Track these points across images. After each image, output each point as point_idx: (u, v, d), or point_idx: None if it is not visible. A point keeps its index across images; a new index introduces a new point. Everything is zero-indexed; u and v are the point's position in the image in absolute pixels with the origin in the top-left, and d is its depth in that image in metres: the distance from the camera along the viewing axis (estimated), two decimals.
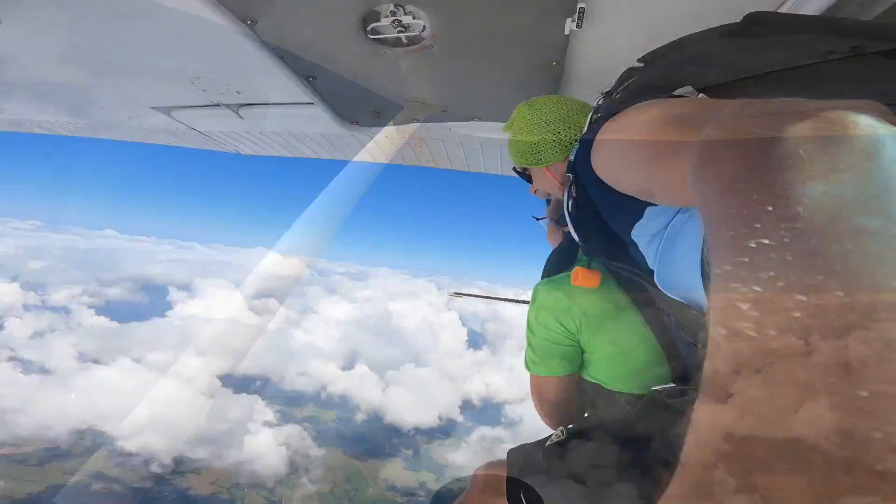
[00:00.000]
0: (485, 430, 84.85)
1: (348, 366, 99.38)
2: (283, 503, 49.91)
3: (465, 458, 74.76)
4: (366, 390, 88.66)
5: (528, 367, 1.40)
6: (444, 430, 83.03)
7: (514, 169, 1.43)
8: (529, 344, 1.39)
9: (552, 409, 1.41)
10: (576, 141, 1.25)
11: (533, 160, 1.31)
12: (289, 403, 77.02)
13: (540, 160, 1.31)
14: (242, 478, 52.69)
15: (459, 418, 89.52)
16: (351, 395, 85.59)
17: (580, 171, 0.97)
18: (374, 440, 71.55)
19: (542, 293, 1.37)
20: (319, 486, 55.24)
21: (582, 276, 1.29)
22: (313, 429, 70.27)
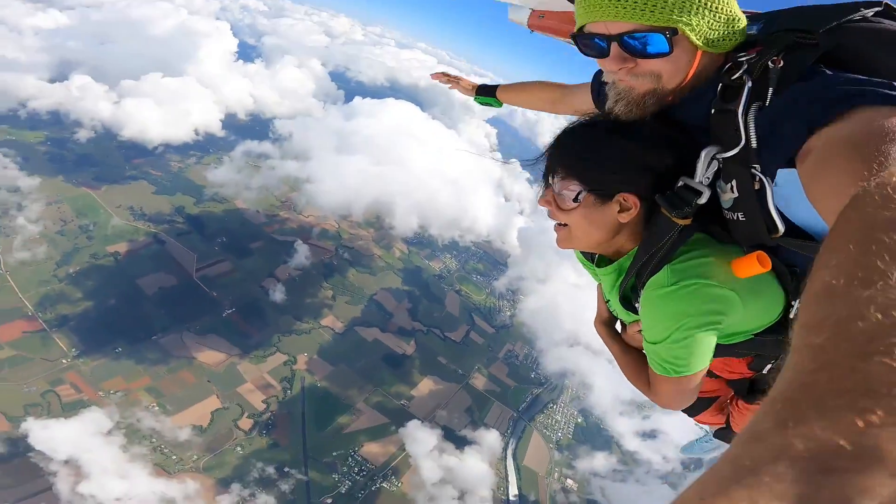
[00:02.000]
0: (250, 145, 70.43)
1: (59, 77, 69.40)
2: None
3: (227, 174, 59.37)
4: (89, 104, 64.60)
5: (675, 371, 1.21)
6: (202, 146, 67.35)
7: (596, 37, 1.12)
8: (682, 346, 1.17)
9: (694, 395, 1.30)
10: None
11: (715, 31, 1.09)
12: None
13: (715, 38, 1.09)
14: None
15: (221, 133, 73.46)
16: (66, 111, 62.86)
17: (768, 155, 0.97)
18: (108, 162, 53.59)
19: (721, 291, 1.12)
20: (44, 222, 43.48)
21: (760, 261, 1.08)
22: (16, 154, 50.56)
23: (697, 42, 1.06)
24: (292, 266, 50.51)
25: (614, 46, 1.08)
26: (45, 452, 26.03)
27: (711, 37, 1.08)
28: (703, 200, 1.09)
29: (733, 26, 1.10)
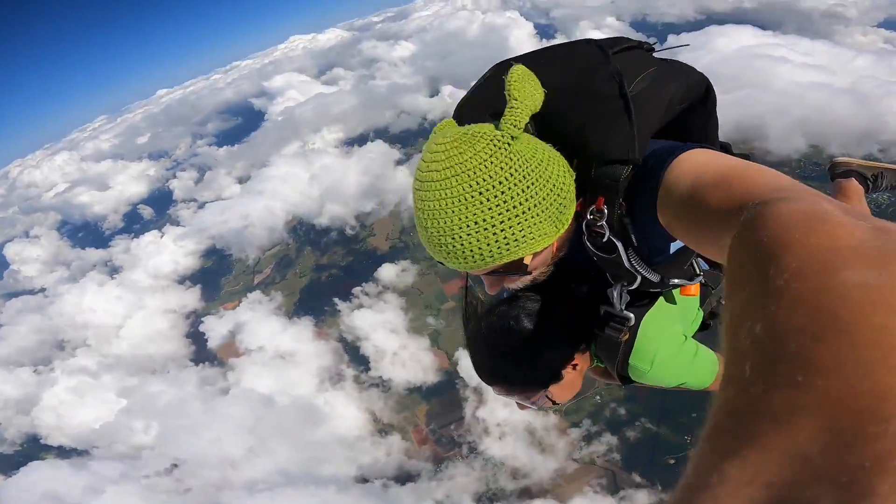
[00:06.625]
0: None
1: (433, 92, 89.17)
2: None
3: None
4: None
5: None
6: None
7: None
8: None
9: None
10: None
11: (541, 241, 1.02)
12: (404, 143, 69.22)
13: (549, 234, 1.02)
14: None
15: None
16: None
17: (640, 217, 1.01)
18: None
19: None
20: None
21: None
22: None
23: (548, 244, 1.03)
24: None
25: (483, 277, 1.11)
26: (465, 379, 31.63)
27: (557, 230, 1.03)
28: (631, 323, 1.24)
29: (565, 200, 1.02)
